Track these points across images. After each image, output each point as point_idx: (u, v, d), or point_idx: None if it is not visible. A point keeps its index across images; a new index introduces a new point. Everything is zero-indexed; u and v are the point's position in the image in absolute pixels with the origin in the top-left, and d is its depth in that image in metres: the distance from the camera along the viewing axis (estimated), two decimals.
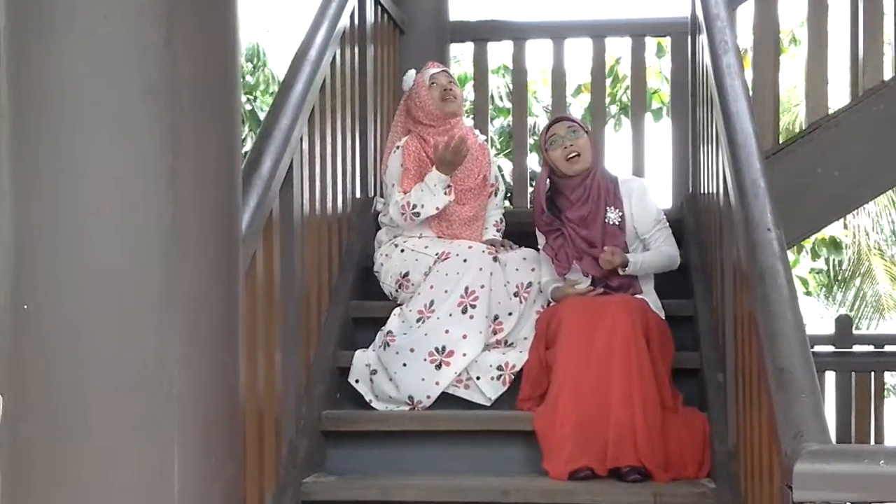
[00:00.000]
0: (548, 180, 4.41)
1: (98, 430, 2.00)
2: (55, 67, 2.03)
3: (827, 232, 13.85)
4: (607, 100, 12.05)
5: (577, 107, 11.82)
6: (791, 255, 14.25)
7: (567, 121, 4.43)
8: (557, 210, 4.38)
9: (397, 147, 4.66)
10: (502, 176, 5.10)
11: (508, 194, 6.08)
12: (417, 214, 4.52)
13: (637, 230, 4.36)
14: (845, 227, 15.18)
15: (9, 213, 2.06)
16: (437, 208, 4.51)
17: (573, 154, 4.32)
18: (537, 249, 4.45)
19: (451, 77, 4.76)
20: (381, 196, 5.08)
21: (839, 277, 16.29)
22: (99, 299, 2.01)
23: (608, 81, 12.11)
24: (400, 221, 4.55)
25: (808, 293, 14.72)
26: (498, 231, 4.76)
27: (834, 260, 15.27)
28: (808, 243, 13.70)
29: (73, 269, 2.02)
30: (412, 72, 4.80)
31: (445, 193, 4.50)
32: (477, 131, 4.91)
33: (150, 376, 2.02)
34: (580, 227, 4.31)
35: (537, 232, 4.44)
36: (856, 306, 16.36)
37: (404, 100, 4.78)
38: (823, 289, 16.39)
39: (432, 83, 4.66)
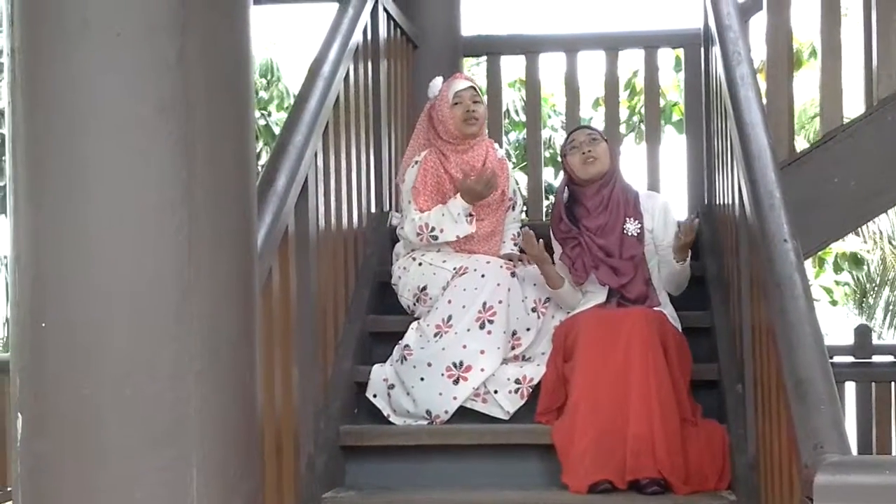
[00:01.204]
0: (566, 189, 4.42)
1: (116, 446, 2.00)
2: (69, 85, 2.04)
3: (848, 248, 13.83)
4: (626, 112, 12.07)
5: (597, 120, 11.83)
6: (813, 269, 14.24)
7: (587, 129, 4.46)
8: (575, 219, 4.37)
9: (416, 162, 4.63)
10: (519, 189, 5.09)
11: (524, 207, 6.07)
12: (435, 238, 4.49)
13: (657, 246, 4.36)
14: (865, 240, 15.10)
15: (25, 230, 2.06)
16: (458, 236, 4.48)
17: (590, 159, 4.32)
18: (553, 261, 4.45)
19: (477, 93, 4.67)
20: (397, 210, 5.07)
21: (867, 287, 16.21)
22: (115, 316, 2.01)
23: (627, 94, 12.13)
24: (415, 240, 4.52)
25: (833, 303, 14.66)
26: (515, 245, 4.74)
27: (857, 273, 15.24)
28: (827, 255, 13.68)
29: (89, 286, 2.02)
30: (439, 79, 4.74)
31: (468, 222, 4.49)
32: (496, 145, 4.88)
33: (166, 392, 2.01)
34: (597, 237, 4.30)
35: (553, 242, 4.43)
36: (887, 315, 16.27)
37: (428, 108, 4.74)
38: (852, 299, 16.32)
39: (456, 102, 4.59)
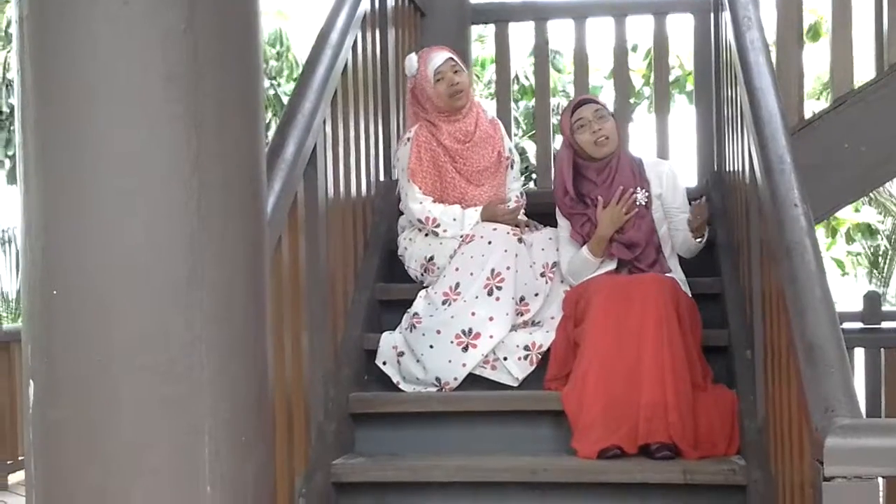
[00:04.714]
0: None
1: (127, 413, 2.00)
2: (77, 55, 2.03)
3: (862, 218, 13.84)
4: (640, 81, 12.03)
5: (609, 90, 11.76)
6: (826, 239, 14.20)
7: (592, 103, 4.40)
8: (581, 194, 4.36)
9: (407, 139, 4.59)
10: (517, 148, 5.08)
11: (533, 175, 6.07)
12: (436, 231, 4.51)
13: (666, 211, 4.36)
14: (878, 209, 15.06)
15: (35, 200, 2.06)
16: (457, 234, 4.49)
17: (602, 137, 4.31)
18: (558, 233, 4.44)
19: (456, 63, 4.61)
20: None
21: (878, 256, 16.19)
22: (126, 284, 2.02)
23: (643, 65, 12.08)
24: (416, 223, 4.53)
25: (844, 274, 14.66)
26: (518, 206, 4.70)
27: (869, 243, 15.25)
28: (842, 225, 13.68)
29: (100, 254, 2.02)
30: (413, 56, 4.67)
31: (471, 227, 4.49)
32: (484, 107, 4.85)
33: (178, 360, 2.02)
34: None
35: (557, 214, 4.42)
36: None
37: (410, 86, 4.67)
38: (865, 269, 16.29)
39: (438, 79, 4.56)
